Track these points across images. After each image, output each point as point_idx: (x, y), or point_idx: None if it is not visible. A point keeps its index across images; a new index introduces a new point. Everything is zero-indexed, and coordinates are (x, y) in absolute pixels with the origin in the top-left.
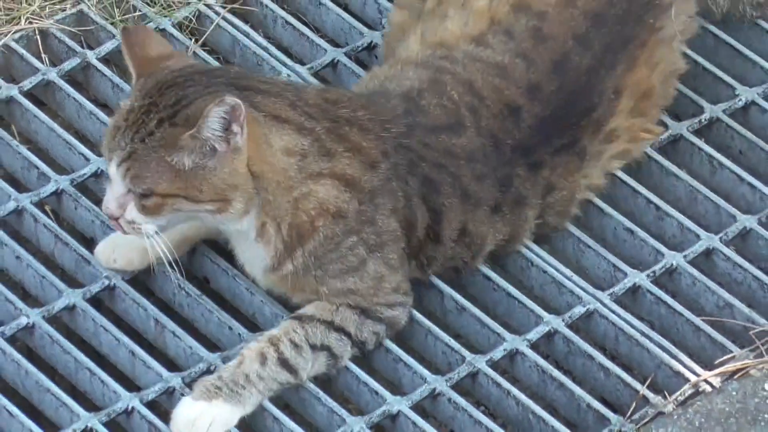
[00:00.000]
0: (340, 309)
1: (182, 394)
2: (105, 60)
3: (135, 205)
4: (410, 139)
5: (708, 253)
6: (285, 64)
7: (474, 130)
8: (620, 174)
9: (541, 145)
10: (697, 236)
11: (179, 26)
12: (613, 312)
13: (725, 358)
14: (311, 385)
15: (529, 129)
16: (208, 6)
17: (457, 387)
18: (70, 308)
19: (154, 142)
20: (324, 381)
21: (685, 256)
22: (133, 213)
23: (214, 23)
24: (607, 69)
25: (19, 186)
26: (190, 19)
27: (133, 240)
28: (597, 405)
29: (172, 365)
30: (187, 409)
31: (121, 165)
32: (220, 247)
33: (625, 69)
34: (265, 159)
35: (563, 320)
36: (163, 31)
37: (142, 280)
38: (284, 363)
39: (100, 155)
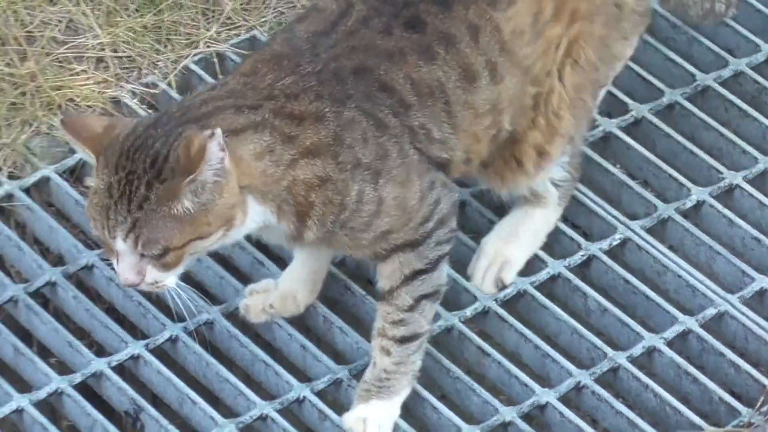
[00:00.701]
0: (399, 260)
1: (349, 386)
2: None
3: (153, 267)
4: (322, 61)
5: None
6: None
7: (362, 5)
8: (746, 186)
9: None
10: None
11: None
12: (743, 313)
13: None
14: (466, 378)
15: None
16: None
17: (599, 380)
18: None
19: (152, 204)
20: (479, 374)
21: None
22: (153, 274)
23: None
24: None
25: None
26: None
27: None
28: (728, 398)
29: (339, 358)
30: (353, 416)
31: (129, 237)
32: None
33: None
34: (246, 172)
35: (697, 321)
36: None
37: (293, 313)
38: (402, 340)
39: None
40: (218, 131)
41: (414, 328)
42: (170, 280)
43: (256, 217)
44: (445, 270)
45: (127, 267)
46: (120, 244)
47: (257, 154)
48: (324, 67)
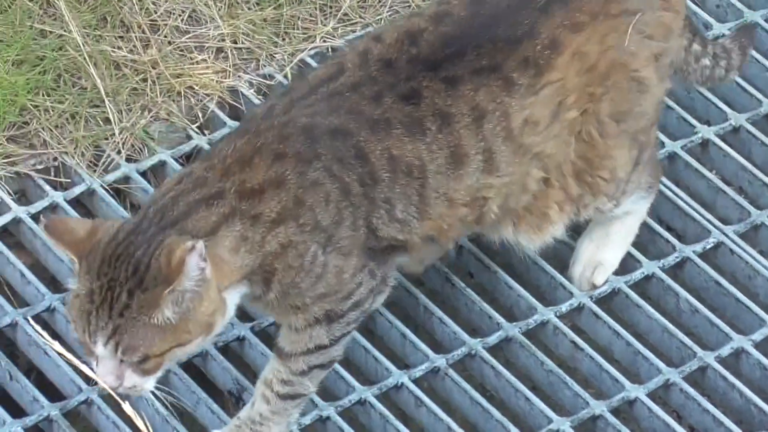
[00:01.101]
0: (310, 334)
1: (446, 374)
2: None
3: (132, 372)
4: (287, 117)
5: None
6: None
7: (357, 66)
8: None
9: (450, 60)
10: None
11: None
12: None
13: None
14: (560, 371)
15: (431, 45)
16: None
17: (687, 378)
18: None
19: (133, 312)
20: (571, 368)
21: None
22: (132, 379)
23: None
24: (538, 12)
25: None
26: None
27: None
28: None
29: (437, 347)
30: None
31: (109, 342)
32: (483, 243)
33: (565, 24)
34: (226, 272)
35: None
36: None
37: (413, 272)
38: (284, 396)
39: None
40: (200, 244)
41: (298, 390)
42: (148, 385)
43: (234, 303)
44: (343, 345)
45: (106, 371)
46: (100, 349)
47: (233, 249)
48: (291, 121)
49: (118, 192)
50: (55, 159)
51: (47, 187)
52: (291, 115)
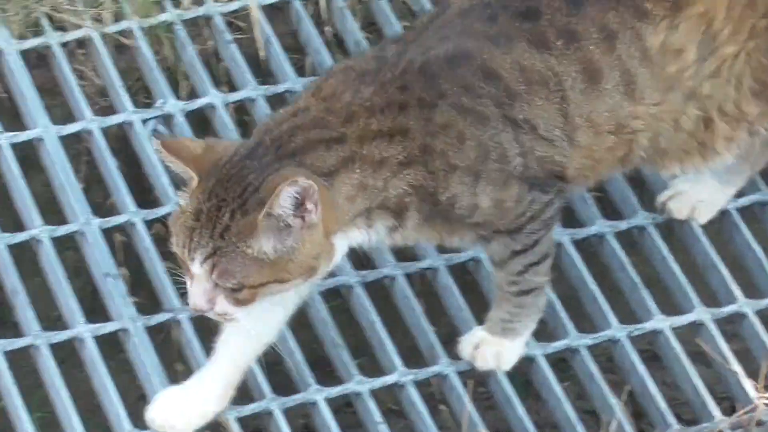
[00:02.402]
0: (500, 241)
1: None
2: None
3: (225, 299)
4: (405, 60)
5: None
6: None
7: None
8: None
9: None
10: None
11: None
12: None
13: None
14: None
15: None
16: None
17: None
18: None
19: (233, 236)
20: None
21: None
22: (223, 306)
23: None
24: None
25: None
26: None
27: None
28: None
29: None
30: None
31: (206, 263)
32: None
33: None
34: (337, 218)
35: None
36: None
37: None
38: (518, 293)
39: None
40: (309, 184)
41: (530, 285)
42: (240, 315)
43: (343, 249)
44: (549, 240)
45: (198, 292)
46: (197, 268)
47: (350, 197)
48: (408, 66)
49: None
50: None
51: None
52: (407, 59)
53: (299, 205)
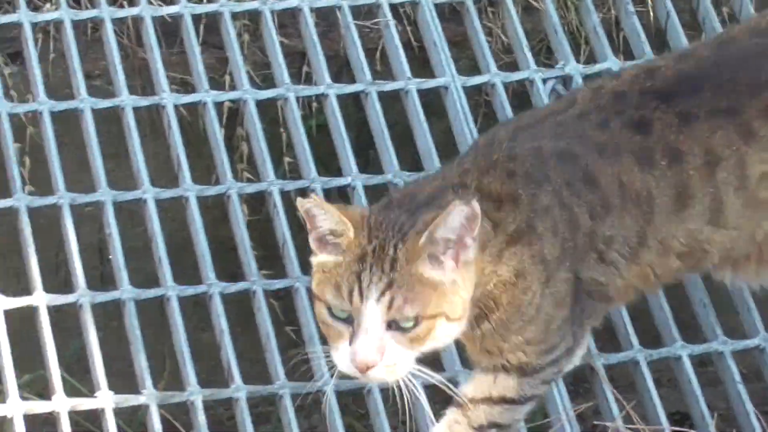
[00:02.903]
0: (498, 378)
1: None
2: None
3: (397, 343)
4: (518, 142)
5: None
6: None
7: (588, 99)
8: None
9: (686, 95)
10: None
11: None
12: None
13: None
14: None
15: (667, 79)
16: None
17: None
18: None
19: (401, 266)
20: None
21: None
22: (395, 351)
23: None
24: None
25: None
26: None
27: None
28: None
29: None
30: None
31: (382, 298)
32: None
33: None
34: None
35: None
36: None
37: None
38: None
39: None
40: (476, 210)
41: None
42: (409, 363)
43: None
44: (525, 411)
45: (368, 341)
46: (371, 308)
47: (482, 243)
48: (518, 145)
49: None
50: None
51: None
52: (517, 142)
53: (462, 234)
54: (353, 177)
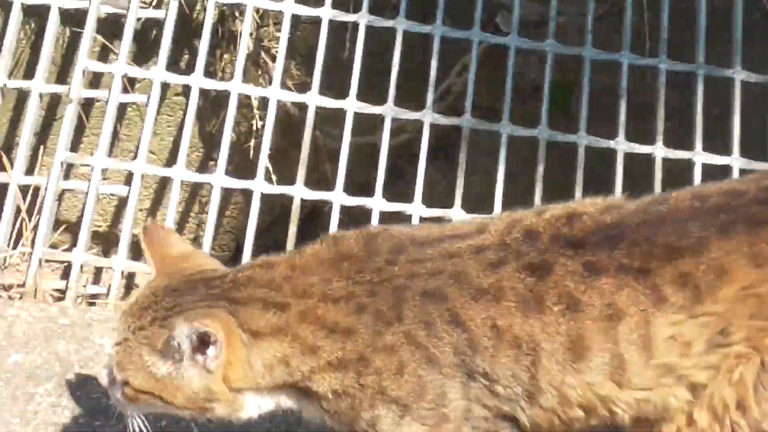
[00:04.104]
0: None
1: None
2: None
3: (117, 388)
4: (389, 275)
5: None
6: None
7: (497, 232)
8: None
9: (597, 247)
10: None
11: None
12: None
13: None
14: None
15: (585, 227)
16: None
17: None
18: None
19: (141, 337)
20: None
21: None
22: (116, 393)
23: None
24: (714, 228)
25: None
26: None
27: None
28: None
29: None
30: None
31: (114, 348)
32: None
33: (743, 253)
34: (249, 377)
35: None
36: None
37: None
38: None
39: None
40: (210, 331)
41: None
42: (126, 410)
43: (261, 406)
44: None
45: (109, 372)
46: (113, 349)
47: (268, 365)
48: (387, 281)
49: None
50: None
51: None
52: (395, 268)
53: (201, 346)
54: None
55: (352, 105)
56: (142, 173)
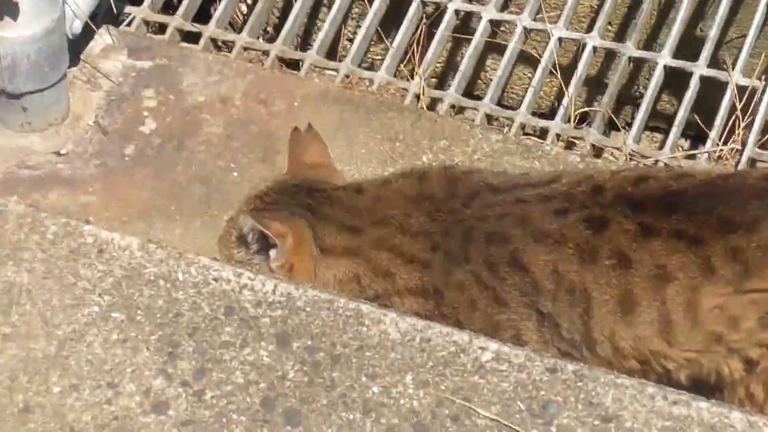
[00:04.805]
0: None
1: None
2: None
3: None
4: (462, 216)
5: None
6: None
7: (570, 183)
8: None
9: (655, 210)
10: None
11: None
12: None
13: None
14: None
15: (648, 190)
16: None
17: None
18: None
19: (233, 221)
20: None
21: None
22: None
23: None
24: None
25: None
26: None
27: None
28: None
29: None
30: None
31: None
32: None
33: None
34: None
35: None
36: None
37: None
38: None
39: None
40: (281, 242)
41: None
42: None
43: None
44: None
45: None
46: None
47: (338, 280)
48: (460, 222)
49: None
50: None
51: None
52: (470, 209)
53: (267, 246)
54: None
55: None
56: None
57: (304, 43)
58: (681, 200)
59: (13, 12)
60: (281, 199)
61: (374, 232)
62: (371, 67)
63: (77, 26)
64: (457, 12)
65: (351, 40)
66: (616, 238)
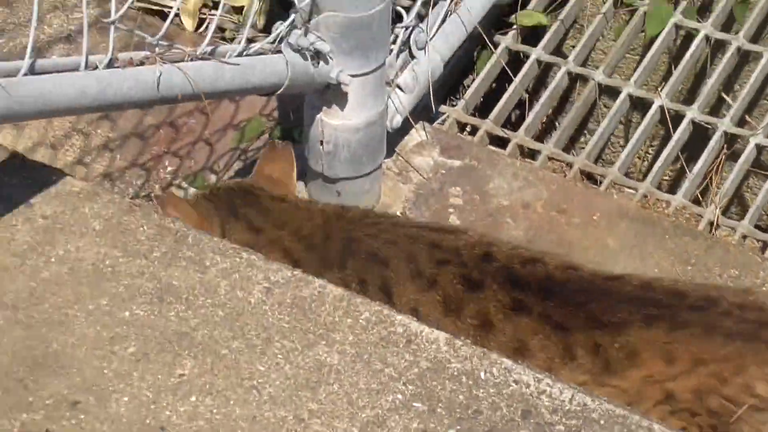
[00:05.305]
0: None
1: None
2: None
3: None
4: (357, 225)
5: None
6: None
7: (463, 240)
8: None
9: (530, 290)
10: None
11: None
12: None
13: None
14: None
15: (530, 275)
16: None
17: None
18: None
19: None
20: None
21: None
22: None
23: None
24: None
25: None
26: None
27: None
28: None
29: None
30: None
31: None
32: None
33: (653, 346)
34: None
35: None
36: None
37: None
38: None
39: None
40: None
41: None
42: None
43: None
44: None
45: None
46: None
47: None
48: (346, 232)
49: None
50: None
51: None
52: (362, 229)
53: None
54: None
55: None
56: None
57: (598, 158)
58: (560, 290)
59: (342, 101)
60: (219, 195)
61: (272, 233)
62: (659, 186)
63: (397, 121)
64: (758, 147)
65: (641, 158)
66: (487, 302)
